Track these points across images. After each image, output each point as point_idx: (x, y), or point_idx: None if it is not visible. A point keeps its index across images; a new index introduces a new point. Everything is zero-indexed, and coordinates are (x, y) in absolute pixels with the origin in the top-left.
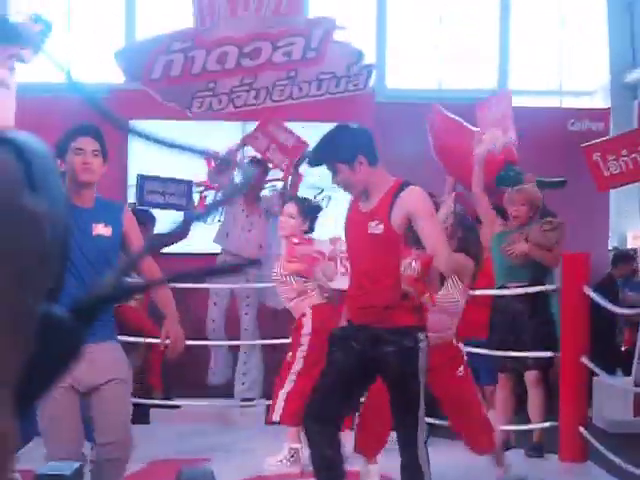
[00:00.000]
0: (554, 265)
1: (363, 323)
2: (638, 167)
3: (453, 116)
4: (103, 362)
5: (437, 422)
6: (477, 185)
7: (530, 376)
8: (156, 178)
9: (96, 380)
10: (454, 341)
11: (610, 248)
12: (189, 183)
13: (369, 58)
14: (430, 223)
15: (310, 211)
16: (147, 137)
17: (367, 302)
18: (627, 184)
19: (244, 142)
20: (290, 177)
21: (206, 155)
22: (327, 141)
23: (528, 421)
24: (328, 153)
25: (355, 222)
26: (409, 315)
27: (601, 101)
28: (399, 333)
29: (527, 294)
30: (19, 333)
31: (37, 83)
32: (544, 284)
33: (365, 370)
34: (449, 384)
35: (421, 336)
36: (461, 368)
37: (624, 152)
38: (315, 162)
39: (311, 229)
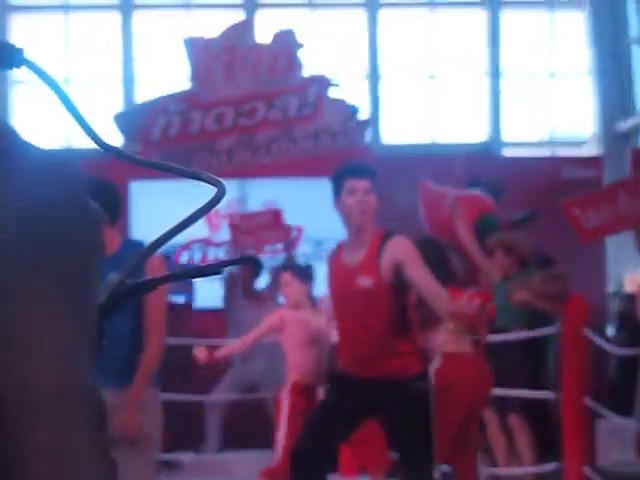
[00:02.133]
0: (560, 314)
1: (364, 375)
2: (619, 219)
3: (438, 189)
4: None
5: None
6: (468, 242)
7: (514, 419)
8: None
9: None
10: None
11: (609, 291)
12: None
13: (364, 114)
14: (422, 269)
15: (306, 274)
16: (153, 165)
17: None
18: (609, 235)
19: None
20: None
21: (196, 177)
22: (370, 165)
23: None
24: (373, 171)
25: (342, 277)
26: (415, 361)
27: (593, 150)
28: (409, 381)
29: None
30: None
31: None
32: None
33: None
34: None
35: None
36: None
37: (603, 205)
38: (368, 173)
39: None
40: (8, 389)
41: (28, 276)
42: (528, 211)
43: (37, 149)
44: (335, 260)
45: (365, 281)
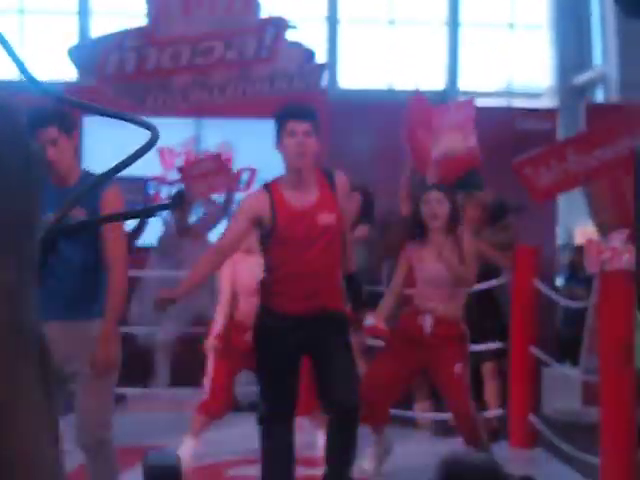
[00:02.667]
0: (507, 265)
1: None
2: (569, 176)
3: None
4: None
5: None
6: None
7: (487, 367)
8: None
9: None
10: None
11: (560, 243)
12: (143, 179)
13: (321, 58)
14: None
15: None
16: (88, 107)
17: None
18: (561, 192)
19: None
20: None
21: (132, 121)
22: (311, 107)
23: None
24: (314, 113)
25: (294, 218)
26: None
27: (549, 102)
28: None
29: (479, 291)
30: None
31: None
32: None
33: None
34: (449, 382)
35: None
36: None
37: (553, 163)
38: (309, 115)
39: None
40: None
41: None
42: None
43: None
44: (278, 204)
45: (327, 218)
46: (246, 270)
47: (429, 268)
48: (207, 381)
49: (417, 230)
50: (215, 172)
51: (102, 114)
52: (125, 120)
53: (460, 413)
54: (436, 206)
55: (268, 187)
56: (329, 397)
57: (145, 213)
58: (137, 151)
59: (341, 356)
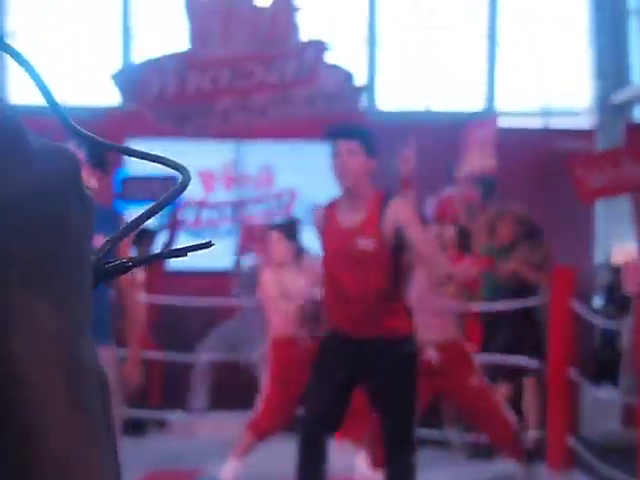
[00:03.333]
0: (542, 283)
1: (358, 335)
2: (620, 182)
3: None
4: None
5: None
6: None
7: (528, 382)
8: (138, 177)
9: None
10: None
11: (597, 262)
12: (173, 178)
13: (360, 80)
14: (421, 231)
15: (292, 232)
16: (119, 149)
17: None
18: (609, 197)
19: None
20: None
21: (162, 162)
22: (360, 127)
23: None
24: (362, 133)
25: (338, 237)
26: (407, 322)
27: (587, 121)
28: (401, 341)
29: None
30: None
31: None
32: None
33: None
34: (464, 394)
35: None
36: (473, 377)
37: (607, 167)
38: (353, 134)
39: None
40: (23, 372)
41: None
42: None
43: (32, 135)
44: (330, 220)
45: (366, 243)
46: (271, 283)
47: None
48: (260, 400)
49: None
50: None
51: (130, 154)
52: (154, 161)
53: (495, 423)
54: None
55: (329, 202)
56: (385, 448)
57: (180, 253)
58: (168, 195)
59: (395, 405)
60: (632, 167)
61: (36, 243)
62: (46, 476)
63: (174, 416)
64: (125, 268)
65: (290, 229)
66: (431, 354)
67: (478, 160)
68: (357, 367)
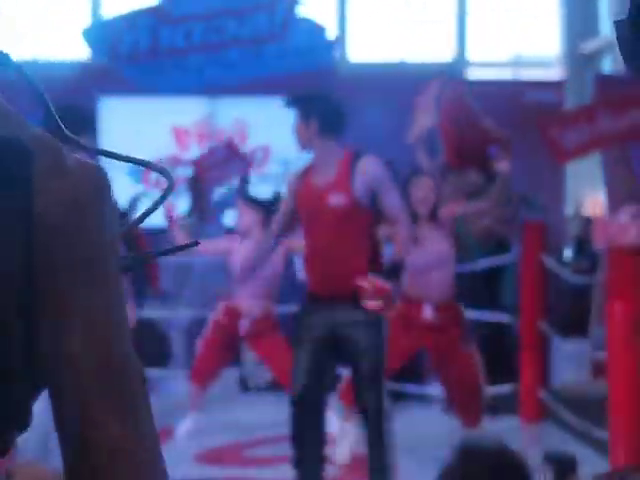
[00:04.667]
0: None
1: (330, 295)
2: (596, 138)
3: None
4: None
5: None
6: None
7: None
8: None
9: None
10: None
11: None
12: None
13: (332, 33)
14: (394, 192)
15: (258, 202)
16: (105, 153)
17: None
18: (586, 154)
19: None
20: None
21: (148, 166)
22: (303, 95)
23: None
24: (296, 102)
25: (311, 196)
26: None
27: (558, 72)
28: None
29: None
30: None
31: None
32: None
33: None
34: (451, 357)
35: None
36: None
37: (582, 124)
38: (288, 103)
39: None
40: (83, 368)
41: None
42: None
43: (68, 153)
44: (304, 180)
45: (336, 199)
46: (236, 251)
47: (427, 251)
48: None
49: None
50: (226, 159)
51: (117, 158)
52: (139, 164)
53: (467, 391)
54: (427, 192)
55: (302, 168)
56: (358, 401)
57: (170, 252)
58: (156, 201)
59: (367, 356)
60: (607, 121)
61: (76, 245)
62: (102, 458)
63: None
64: (130, 265)
65: (255, 200)
66: (427, 311)
67: (423, 119)
68: (332, 329)
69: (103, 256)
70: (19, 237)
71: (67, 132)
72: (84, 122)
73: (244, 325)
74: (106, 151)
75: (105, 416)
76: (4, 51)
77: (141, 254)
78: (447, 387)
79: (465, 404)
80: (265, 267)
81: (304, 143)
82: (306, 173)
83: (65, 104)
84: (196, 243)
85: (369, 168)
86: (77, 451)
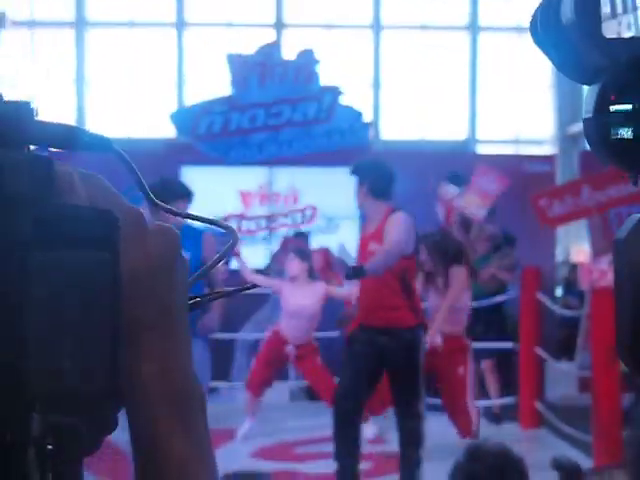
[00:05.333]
0: (512, 282)
1: (374, 325)
2: (580, 209)
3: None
4: None
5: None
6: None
7: (487, 364)
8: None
9: None
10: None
11: (558, 261)
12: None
13: (367, 117)
14: (396, 227)
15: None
16: (182, 215)
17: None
18: (571, 222)
19: None
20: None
21: (218, 225)
22: (359, 164)
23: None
24: (353, 171)
25: (362, 243)
26: (410, 315)
27: (550, 149)
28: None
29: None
30: None
31: None
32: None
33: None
34: (452, 379)
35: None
36: (462, 368)
37: (567, 197)
38: (350, 172)
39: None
40: (150, 391)
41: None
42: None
43: (149, 219)
44: (361, 234)
45: (373, 246)
46: (289, 296)
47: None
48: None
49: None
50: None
51: (190, 218)
52: (206, 222)
53: (459, 409)
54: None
55: (364, 224)
56: (395, 409)
57: (237, 292)
58: (222, 253)
59: (403, 374)
60: (589, 195)
61: (154, 293)
62: (171, 473)
63: (221, 384)
64: (201, 301)
65: (303, 252)
66: (436, 341)
67: (473, 204)
68: (376, 352)
69: (176, 307)
70: (108, 290)
71: (154, 199)
72: (181, 191)
73: (291, 350)
74: (186, 213)
75: (171, 432)
76: (106, 137)
77: (211, 294)
78: (445, 402)
79: (457, 418)
80: (311, 306)
81: (359, 203)
82: (363, 228)
83: (166, 178)
84: (254, 286)
85: (393, 220)
86: (146, 463)
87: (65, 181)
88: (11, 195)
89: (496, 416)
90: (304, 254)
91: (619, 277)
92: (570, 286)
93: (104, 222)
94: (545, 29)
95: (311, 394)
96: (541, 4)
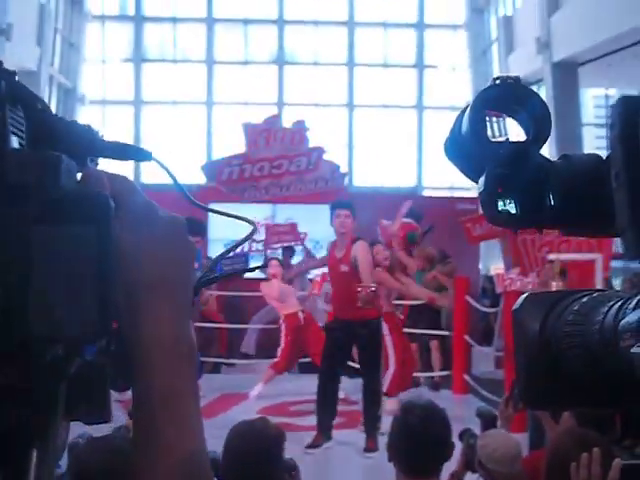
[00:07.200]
0: (451, 287)
1: (346, 318)
2: (491, 232)
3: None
4: None
5: None
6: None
7: (434, 344)
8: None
9: None
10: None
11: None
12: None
13: (343, 168)
14: (365, 262)
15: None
16: (214, 211)
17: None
18: (485, 241)
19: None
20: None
21: (242, 219)
22: (349, 202)
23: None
24: (350, 205)
25: (334, 264)
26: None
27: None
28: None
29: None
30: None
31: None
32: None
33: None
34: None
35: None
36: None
37: (484, 223)
38: (348, 205)
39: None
40: (142, 346)
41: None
42: (428, 227)
43: (161, 209)
44: (331, 254)
45: (344, 267)
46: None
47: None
48: (280, 350)
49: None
50: (287, 232)
51: (221, 214)
52: (237, 218)
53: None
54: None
55: (332, 243)
56: (362, 377)
57: (248, 271)
58: (243, 238)
59: (367, 351)
60: None
61: (156, 261)
62: (155, 403)
63: (238, 361)
64: (214, 280)
65: (284, 261)
66: None
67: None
68: (348, 337)
69: (177, 278)
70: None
71: (190, 197)
72: (194, 229)
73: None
74: (216, 210)
75: (163, 369)
76: (149, 150)
77: (224, 274)
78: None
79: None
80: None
81: (350, 229)
82: (332, 249)
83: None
84: (265, 265)
85: (358, 248)
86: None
87: (85, 176)
88: (20, 184)
89: (436, 384)
90: (285, 262)
91: (515, 340)
92: (486, 291)
93: (95, 203)
94: (451, 145)
95: (306, 367)
96: (450, 130)
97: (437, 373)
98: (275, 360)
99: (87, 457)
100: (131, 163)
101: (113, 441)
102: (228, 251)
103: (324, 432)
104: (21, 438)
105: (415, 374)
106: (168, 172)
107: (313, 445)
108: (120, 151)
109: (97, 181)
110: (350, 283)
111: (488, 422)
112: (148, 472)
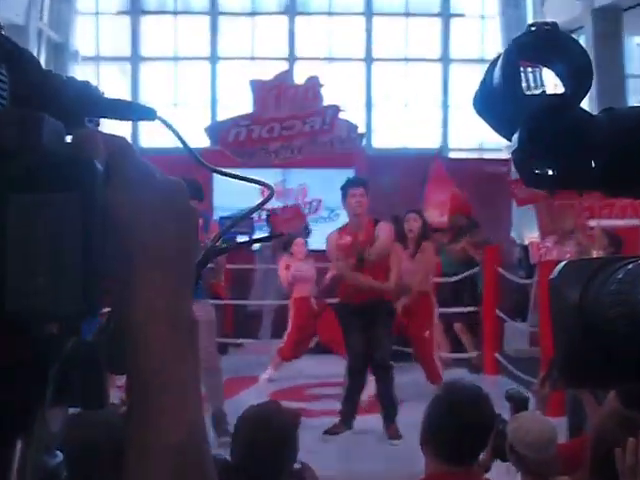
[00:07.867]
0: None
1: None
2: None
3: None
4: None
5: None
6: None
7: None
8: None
9: None
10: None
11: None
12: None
13: (361, 129)
14: (383, 245)
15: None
16: (225, 173)
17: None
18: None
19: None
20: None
21: (256, 182)
22: (364, 179)
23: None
24: (365, 183)
25: (349, 247)
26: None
27: (506, 154)
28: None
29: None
30: None
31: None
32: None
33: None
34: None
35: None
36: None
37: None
38: (363, 183)
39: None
40: (136, 320)
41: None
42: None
43: (158, 171)
44: (339, 238)
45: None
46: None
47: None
48: (286, 334)
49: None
50: (292, 218)
51: (232, 177)
52: (249, 181)
53: (427, 361)
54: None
55: (340, 228)
56: (373, 359)
57: (258, 241)
58: (260, 202)
59: (381, 330)
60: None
61: (155, 227)
62: (147, 379)
63: (248, 341)
64: (224, 250)
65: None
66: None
67: (433, 216)
68: (365, 320)
69: (177, 244)
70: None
71: (198, 157)
72: (192, 192)
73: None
74: (225, 171)
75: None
76: (154, 109)
77: (225, 245)
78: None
79: (426, 368)
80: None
81: (365, 209)
82: (340, 233)
83: (184, 178)
84: (281, 234)
85: (383, 229)
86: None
87: (62, 136)
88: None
89: (475, 367)
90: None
91: (553, 313)
92: (521, 262)
93: (79, 168)
94: (482, 99)
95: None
96: (480, 84)
97: (473, 354)
98: (281, 345)
99: (67, 433)
100: (128, 125)
101: (95, 416)
102: (242, 217)
103: (346, 422)
104: (3, 426)
105: (444, 354)
106: (174, 131)
107: (332, 432)
108: (121, 110)
109: (90, 143)
110: (371, 264)
111: (519, 406)
112: (141, 457)
